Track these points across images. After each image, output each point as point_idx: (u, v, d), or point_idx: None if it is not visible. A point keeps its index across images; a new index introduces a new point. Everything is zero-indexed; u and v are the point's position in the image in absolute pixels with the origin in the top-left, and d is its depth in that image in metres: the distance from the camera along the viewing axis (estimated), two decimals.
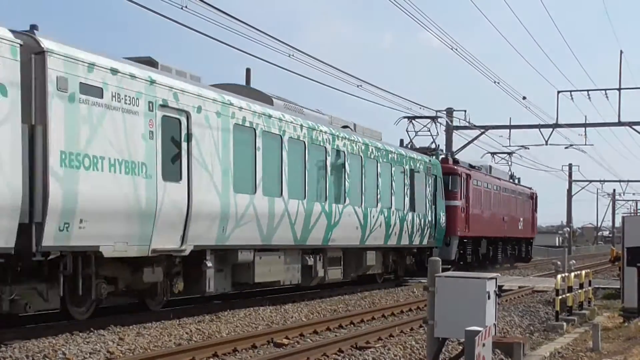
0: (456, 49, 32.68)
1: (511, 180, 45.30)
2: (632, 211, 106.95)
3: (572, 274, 18.61)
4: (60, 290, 13.43)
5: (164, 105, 15.27)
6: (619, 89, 43.80)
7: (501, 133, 47.26)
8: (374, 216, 24.08)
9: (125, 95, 14.23)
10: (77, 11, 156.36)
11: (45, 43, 12.78)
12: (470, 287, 9.87)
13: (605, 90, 43.89)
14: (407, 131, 36.81)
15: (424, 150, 32.73)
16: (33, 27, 12.92)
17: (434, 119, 37.12)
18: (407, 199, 27.17)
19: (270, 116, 19.17)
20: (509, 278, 31.55)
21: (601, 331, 14.15)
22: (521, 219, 44.00)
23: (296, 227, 20.06)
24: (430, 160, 30.12)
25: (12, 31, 12.38)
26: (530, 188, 49.03)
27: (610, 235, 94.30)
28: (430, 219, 29.34)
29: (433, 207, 29.72)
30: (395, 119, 37.16)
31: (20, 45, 12.24)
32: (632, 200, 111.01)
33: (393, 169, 26.03)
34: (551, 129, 45.59)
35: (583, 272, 19.84)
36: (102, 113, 13.73)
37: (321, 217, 21.21)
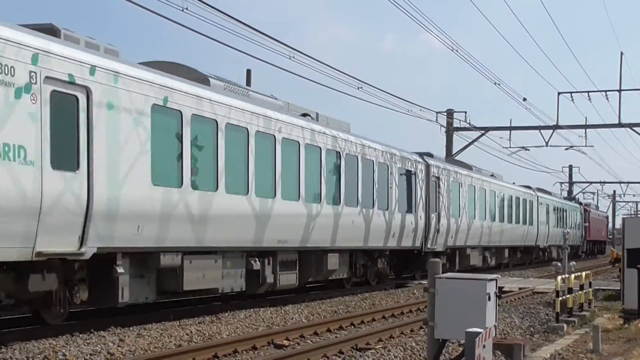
0: (457, 51, 32.76)
1: (597, 209, 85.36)
2: (632, 213, 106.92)
3: (572, 276, 18.60)
4: None
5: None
6: (620, 90, 43.83)
7: (501, 134, 47.35)
8: (569, 232, 39.93)
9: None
10: (76, 10, 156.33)
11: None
12: (470, 289, 9.87)
13: (605, 91, 43.93)
14: (561, 189, 78.87)
15: (568, 198, 71.18)
16: None
17: (571, 185, 79.93)
18: (576, 224, 62.57)
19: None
20: (509, 279, 31.56)
21: (601, 332, 14.13)
22: (602, 229, 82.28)
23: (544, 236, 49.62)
24: (580, 206, 66.71)
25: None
26: (604, 212, 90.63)
27: (611, 236, 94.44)
28: (581, 232, 65.21)
29: (582, 227, 65.63)
30: (396, 120, 37.78)
31: None
32: (633, 202, 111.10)
33: (571, 212, 60.35)
34: (551, 130, 45.59)
35: (583, 273, 19.82)
36: None
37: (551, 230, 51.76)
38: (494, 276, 10.44)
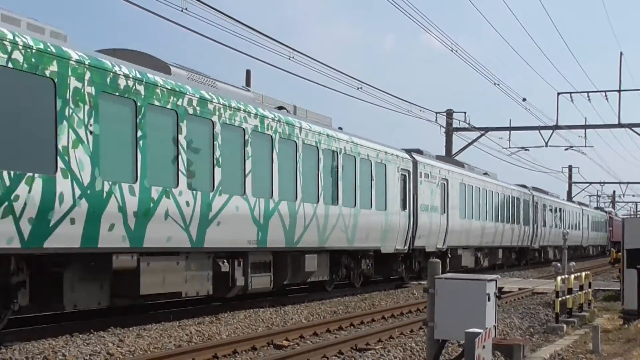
0: (456, 51, 32.83)
1: (616, 215, 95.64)
2: (632, 213, 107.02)
3: (572, 276, 18.60)
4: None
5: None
6: (619, 91, 43.84)
7: (501, 135, 47.42)
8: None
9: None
10: (75, 10, 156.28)
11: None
12: (470, 289, 9.87)
13: (605, 92, 43.97)
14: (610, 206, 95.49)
15: (599, 208, 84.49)
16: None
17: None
18: (604, 228, 77.11)
19: None
20: (509, 280, 31.57)
21: (601, 333, 14.13)
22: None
23: (586, 238, 67.07)
24: (606, 214, 79.64)
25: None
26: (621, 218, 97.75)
27: None
28: (607, 235, 77.23)
29: (607, 230, 77.47)
30: (396, 120, 38.93)
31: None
32: (632, 202, 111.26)
33: (600, 219, 74.98)
34: (551, 131, 45.62)
35: (583, 274, 19.82)
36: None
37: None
38: (493, 276, 10.44)
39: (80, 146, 13.00)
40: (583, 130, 47.92)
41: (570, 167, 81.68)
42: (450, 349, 12.62)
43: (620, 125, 44.69)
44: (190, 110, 15.75)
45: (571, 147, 50.24)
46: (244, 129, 17.54)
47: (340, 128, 23.48)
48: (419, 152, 29.56)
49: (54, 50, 12.58)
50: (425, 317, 10.67)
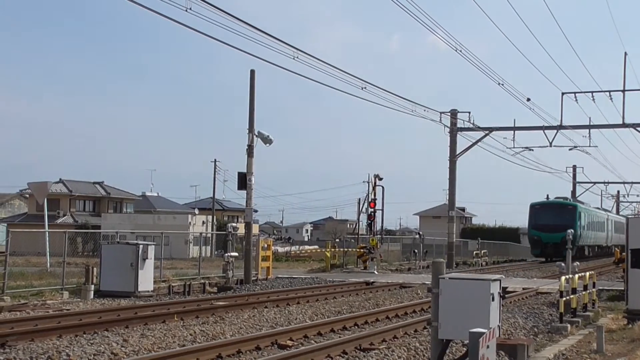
0: (461, 51, 32.77)
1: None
2: (636, 213, 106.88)
3: (576, 276, 18.58)
4: None
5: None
6: (624, 91, 43.72)
7: (505, 135, 47.17)
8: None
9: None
10: (76, 10, 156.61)
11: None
12: (474, 289, 9.86)
13: (609, 91, 43.84)
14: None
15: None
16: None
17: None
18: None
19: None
20: (513, 280, 31.54)
21: (605, 333, 14.12)
22: None
23: None
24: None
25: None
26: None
27: None
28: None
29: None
30: (398, 120, 38.42)
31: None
32: (636, 202, 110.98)
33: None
34: (555, 131, 45.53)
35: (587, 273, 19.79)
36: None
37: None
38: (497, 276, 10.43)
39: (585, 223, 57.24)
40: (587, 130, 47.73)
41: (574, 167, 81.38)
42: (454, 349, 12.62)
43: (624, 125, 44.60)
44: (599, 218, 64.39)
45: (575, 147, 50.05)
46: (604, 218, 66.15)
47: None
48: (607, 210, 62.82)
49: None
50: (430, 317, 10.67)
